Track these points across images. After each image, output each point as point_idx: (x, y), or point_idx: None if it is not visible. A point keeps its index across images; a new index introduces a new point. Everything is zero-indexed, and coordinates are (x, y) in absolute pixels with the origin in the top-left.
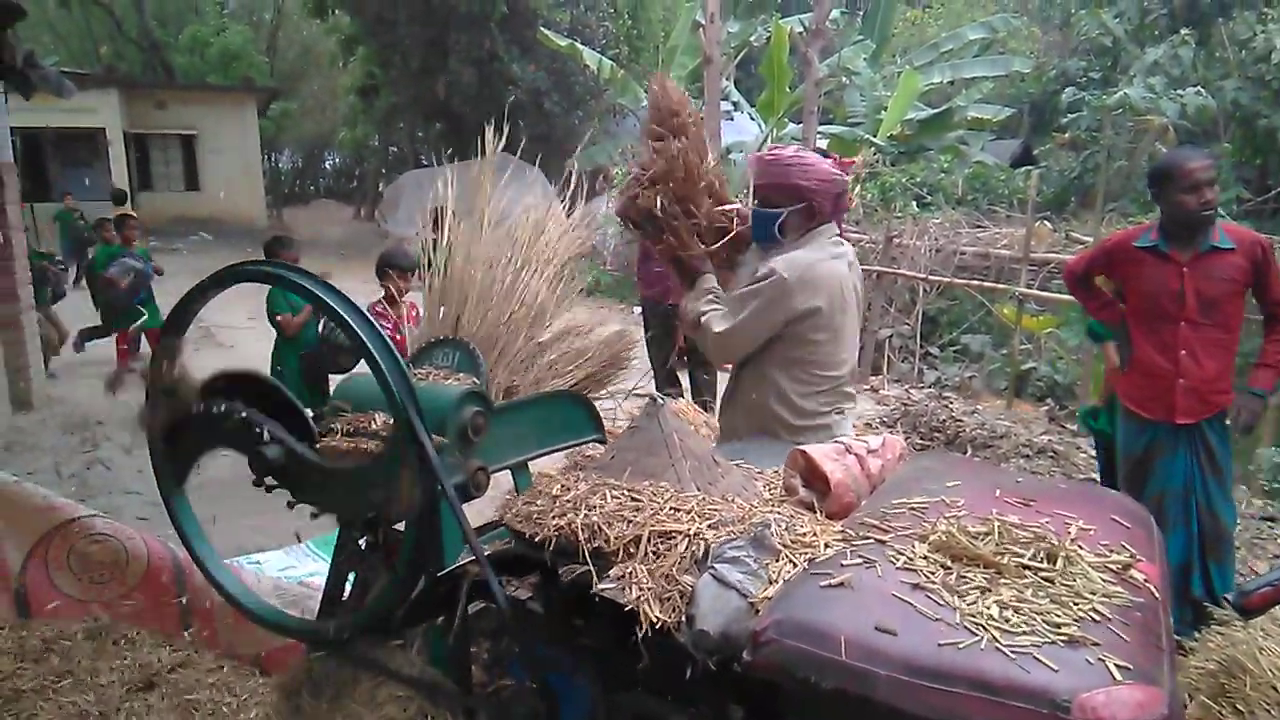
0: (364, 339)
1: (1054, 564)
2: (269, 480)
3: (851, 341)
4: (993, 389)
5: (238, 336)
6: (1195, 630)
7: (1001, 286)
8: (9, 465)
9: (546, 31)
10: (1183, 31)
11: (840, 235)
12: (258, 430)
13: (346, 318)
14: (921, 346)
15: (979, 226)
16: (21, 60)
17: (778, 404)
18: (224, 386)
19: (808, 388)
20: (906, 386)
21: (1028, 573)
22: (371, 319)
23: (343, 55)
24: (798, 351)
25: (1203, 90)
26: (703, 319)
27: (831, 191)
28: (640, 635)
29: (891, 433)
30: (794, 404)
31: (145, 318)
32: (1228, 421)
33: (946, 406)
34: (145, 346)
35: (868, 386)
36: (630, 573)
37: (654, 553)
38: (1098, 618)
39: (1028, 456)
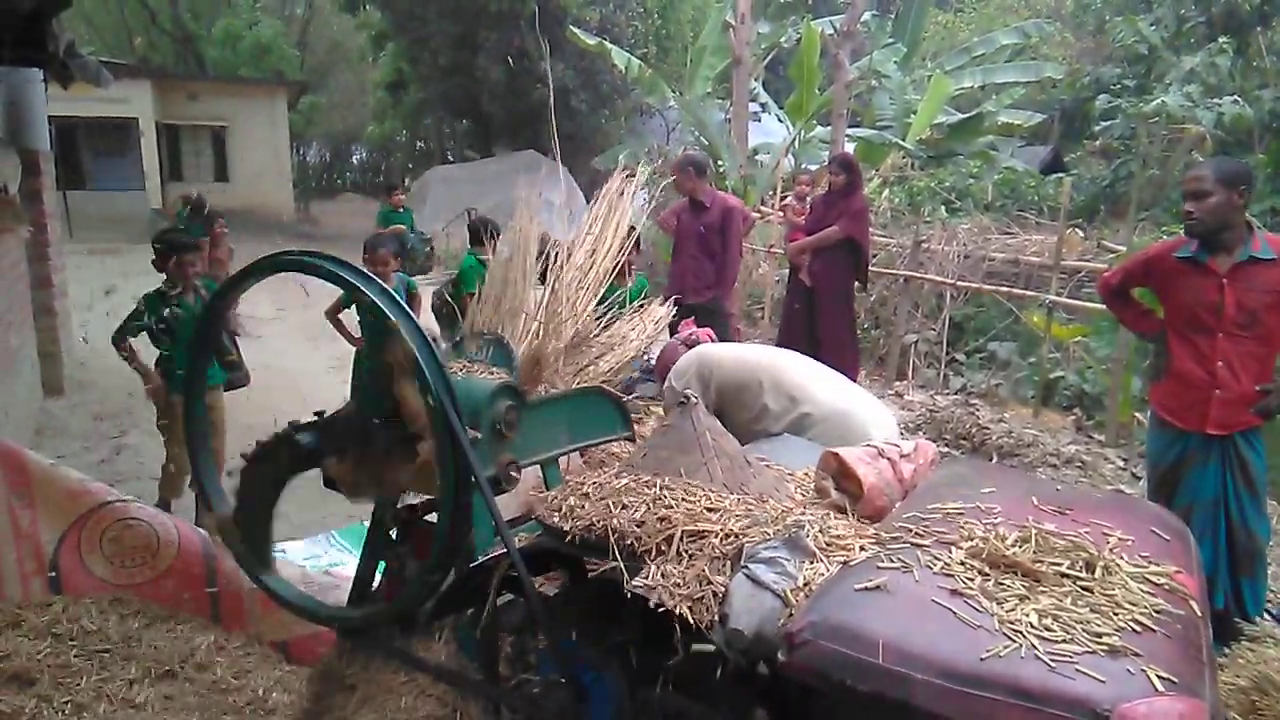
0: (402, 331)
1: (1093, 573)
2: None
3: None
4: (1019, 397)
5: (265, 328)
6: (1221, 645)
7: (1030, 294)
8: (40, 449)
9: (575, 30)
10: (1220, 40)
11: None
12: None
13: (385, 308)
14: (948, 352)
15: (1008, 233)
16: (63, 49)
17: None
18: None
19: None
20: (931, 392)
21: (1066, 581)
22: (410, 312)
23: (372, 50)
24: None
25: (1240, 99)
26: None
27: None
28: (670, 633)
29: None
30: None
31: None
32: (1254, 409)
33: (973, 413)
34: None
35: (892, 391)
36: (663, 571)
37: (686, 551)
38: (1138, 628)
39: (1054, 466)
